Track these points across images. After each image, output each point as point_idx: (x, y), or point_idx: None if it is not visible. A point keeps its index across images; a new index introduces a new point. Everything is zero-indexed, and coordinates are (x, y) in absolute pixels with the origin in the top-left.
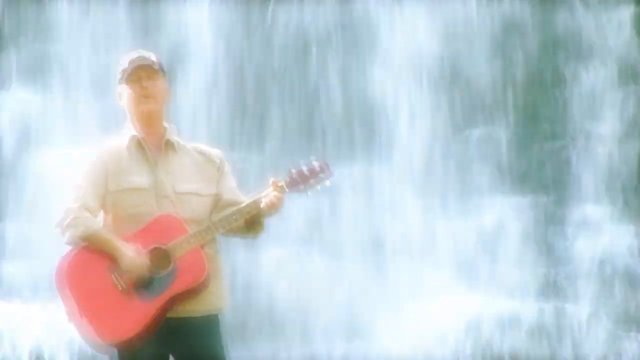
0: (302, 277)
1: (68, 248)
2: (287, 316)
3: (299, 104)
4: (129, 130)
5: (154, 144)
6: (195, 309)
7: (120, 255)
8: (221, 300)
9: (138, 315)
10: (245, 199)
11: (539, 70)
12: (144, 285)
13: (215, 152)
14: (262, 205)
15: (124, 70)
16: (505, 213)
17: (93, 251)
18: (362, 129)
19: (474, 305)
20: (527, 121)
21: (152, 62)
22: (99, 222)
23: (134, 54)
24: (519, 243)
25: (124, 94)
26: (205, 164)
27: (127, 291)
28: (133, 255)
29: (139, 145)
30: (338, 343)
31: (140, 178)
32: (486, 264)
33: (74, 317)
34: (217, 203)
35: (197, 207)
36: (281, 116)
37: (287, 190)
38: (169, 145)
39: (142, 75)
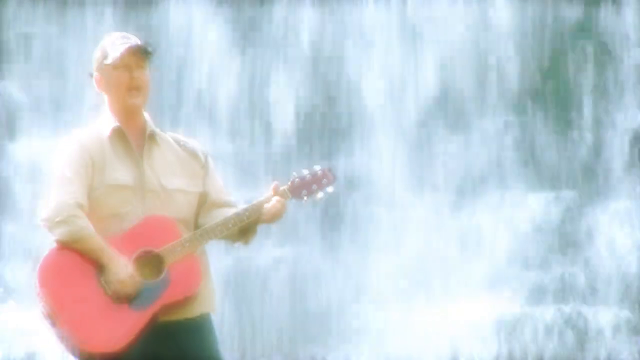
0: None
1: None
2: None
3: (300, 97)
4: (109, 119)
5: (135, 136)
6: (188, 310)
7: (109, 269)
8: (212, 299)
9: (129, 324)
10: (231, 199)
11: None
12: (136, 292)
13: (198, 146)
14: (264, 211)
15: (109, 55)
16: (528, 209)
17: (78, 254)
18: (368, 121)
19: (496, 307)
20: (550, 111)
21: (144, 48)
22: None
23: (121, 37)
24: (542, 241)
25: (106, 80)
26: (189, 159)
27: (117, 298)
28: (124, 276)
29: (122, 137)
30: (360, 347)
31: (125, 173)
32: (503, 263)
33: (55, 322)
34: (204, 203)
35: (184, 205)
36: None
37: (289, 196)
38: (152, 137)
39: (131, 63)
